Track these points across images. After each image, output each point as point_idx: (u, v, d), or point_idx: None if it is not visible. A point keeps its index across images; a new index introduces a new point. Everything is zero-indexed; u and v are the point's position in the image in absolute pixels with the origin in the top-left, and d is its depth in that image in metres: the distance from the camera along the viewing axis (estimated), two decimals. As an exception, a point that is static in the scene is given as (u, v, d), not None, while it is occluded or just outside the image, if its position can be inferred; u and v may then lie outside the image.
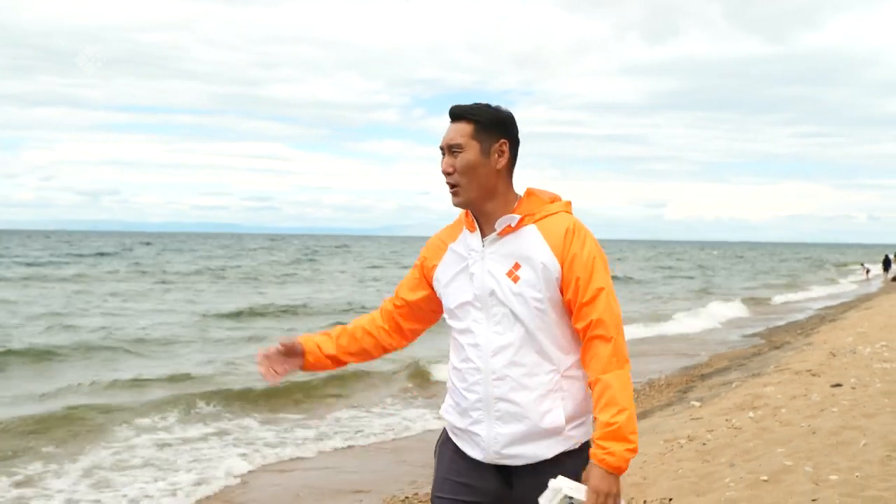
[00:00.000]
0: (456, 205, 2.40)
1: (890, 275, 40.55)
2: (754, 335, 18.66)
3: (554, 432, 2.31)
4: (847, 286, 40.26)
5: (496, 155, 2.36)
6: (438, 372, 12.05)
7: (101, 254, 59.55)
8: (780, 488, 4.66)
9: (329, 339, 2.61)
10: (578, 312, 2.32)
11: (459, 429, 2.41)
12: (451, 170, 2.36)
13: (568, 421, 2.32)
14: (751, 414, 7.17)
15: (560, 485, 2.23)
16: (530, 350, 2.31)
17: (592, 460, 2.23)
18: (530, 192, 2.43)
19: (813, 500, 4.32)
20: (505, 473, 2.35)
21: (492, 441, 2.33)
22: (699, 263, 70.06)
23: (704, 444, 6.25)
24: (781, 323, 21.30)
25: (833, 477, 4.76)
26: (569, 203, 2.45)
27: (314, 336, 2.62)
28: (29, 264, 44.27)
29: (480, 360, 2.34)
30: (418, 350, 12.13)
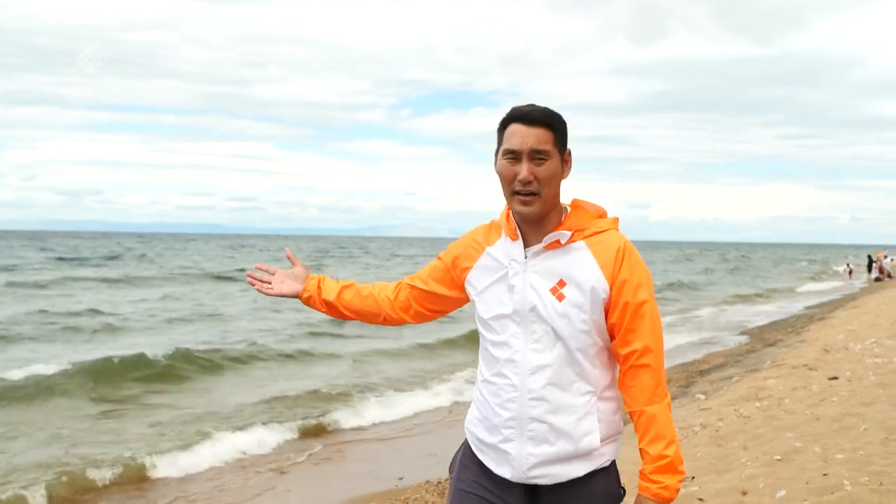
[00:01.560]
0: (526, 214, 2.25)
1: (872, 275, 41.43)
2: (744, 333, 19.31)
3: (587, 454, 2.26)
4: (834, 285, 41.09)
5: (565, 165, 2.29)
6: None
7: (113, 256, 59.34)
8: (794, 466, 5.21)
9: (335, 287, 2.59)
10: (623, 338, 2.26)
11: (486, 444, 2.34)
12: (531, 178, 2.21)
13: (602, 442, 2.28)
14: (756, 404, 7.73)
15: None
16: (570, 371, 2.24)
17: (645, 494, 2.22)
18: (577, 205, 2.34)
19: (824, 475, 4.86)
20: (531, 492, 2.30)
21: (522, 461, 2.26)
22: (730, 265, 70.43)
23: (717, 430, 6.80)
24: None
25: (839, 456, 5.31)
26: (616, 219, 2.36)
27: (325, 278, 2.62)
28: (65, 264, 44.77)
29: (517, 377, 2.25)
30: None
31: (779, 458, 5.47)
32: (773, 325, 20.90)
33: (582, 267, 2.23)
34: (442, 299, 2.53)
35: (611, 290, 2.23)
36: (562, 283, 2.23)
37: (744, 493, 4.77)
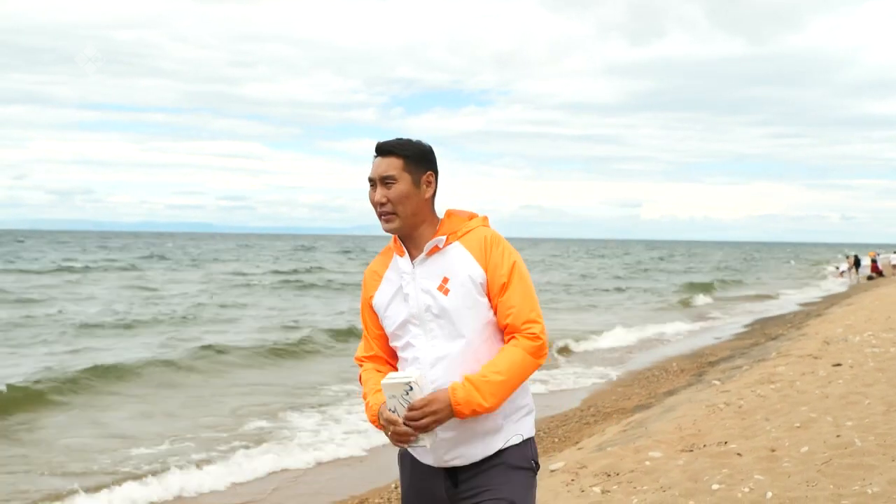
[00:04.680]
0: (388, 230, 2.58)
1: (862, 273, 42.74)
2: (749, 326, 20.39)
3: (493, 431, 2.50)
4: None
5: (425, 185, 2.57)
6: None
7: (160, 256, 60.84)
8: (812, 431, 6.25)
9: (376, 402, 2.65)
10: (505, 312, 2.50)
11: None
12: (384, 200, 2.52)
13: (506, 418, 2.51)
14: (771, 386, 8.77)
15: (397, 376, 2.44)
16: (465, 358, 2.47)
17: (449, 388, 2.40)
18: (450, 213, 2.64)
19: (837, 436, 5.91)
20: (452, 474, 2.54)
21: (438, 447, 2.50)
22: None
23: (740, 406, 7.84)
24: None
25: (849, 423, 6.36)
26: (485, 218, 2.66)
27: (370, 403, 2.64)
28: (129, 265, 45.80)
29: (421, 371, 2.49)
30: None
31: (798, 425, 6.51)
32: (773, 321, 22.02)
33: (460, 261, 2.53)
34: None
35: (486, 274, 2.52)
36: (446, 280, 2.52)
37: (773, 450, 5.80)
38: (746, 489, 4.90)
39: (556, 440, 8.83)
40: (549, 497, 5.51)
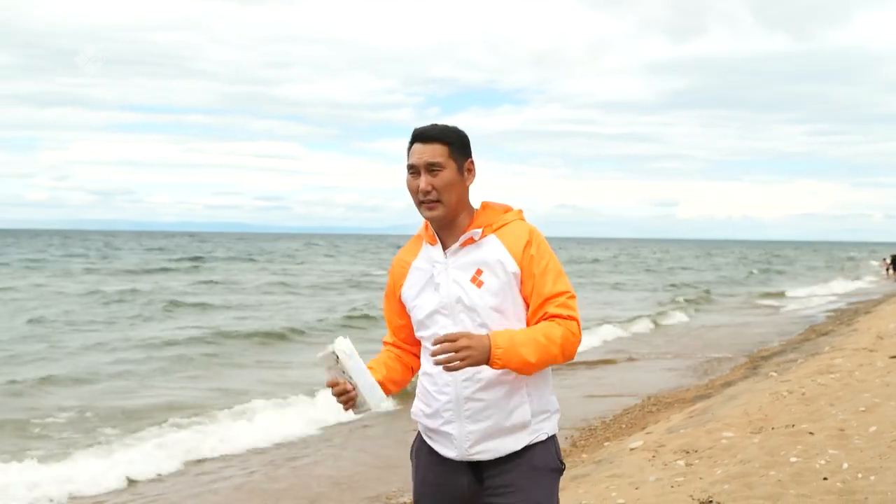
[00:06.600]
0: (430, 218, 2.52)
1: None
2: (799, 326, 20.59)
3: (521, 427, 2.48)
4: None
5: (467, 172, 2.55)
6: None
7: (237, 257, 61.64)
8: (877, 414, 6.64)
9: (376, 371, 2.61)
10: (539, 302, 2.46)
11: (431, 430, 2.56)
12: (429, 188, 2.47)
13: (534, 415, 2.49)
14: (831, 376, 9.13)
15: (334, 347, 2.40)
16: None
17: (489, 334, 2.37)
18: (486, 205, 2.61)
19: (903, 418, 6.31)
20: (476, 469, 2.51)
21: (463, 439, 2.47)
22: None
23: (803, 394, 8.22)
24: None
25: (913, 407, 6.75)
26: (521, 211, 2.63)
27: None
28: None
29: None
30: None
31: (863, 409, 6.90)
32: (821, 318, 22.19)
33: (494, 255, 2.49)
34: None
35: (521, 269, 2.49)
36: (479, 272, 2.49)
37: (842, 430, 6.21)
38: (823, 461, 5.33)
39: (623, 426, 9.28)
40: (635, 470, 5.98)
